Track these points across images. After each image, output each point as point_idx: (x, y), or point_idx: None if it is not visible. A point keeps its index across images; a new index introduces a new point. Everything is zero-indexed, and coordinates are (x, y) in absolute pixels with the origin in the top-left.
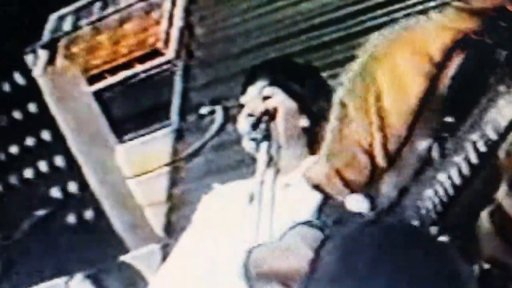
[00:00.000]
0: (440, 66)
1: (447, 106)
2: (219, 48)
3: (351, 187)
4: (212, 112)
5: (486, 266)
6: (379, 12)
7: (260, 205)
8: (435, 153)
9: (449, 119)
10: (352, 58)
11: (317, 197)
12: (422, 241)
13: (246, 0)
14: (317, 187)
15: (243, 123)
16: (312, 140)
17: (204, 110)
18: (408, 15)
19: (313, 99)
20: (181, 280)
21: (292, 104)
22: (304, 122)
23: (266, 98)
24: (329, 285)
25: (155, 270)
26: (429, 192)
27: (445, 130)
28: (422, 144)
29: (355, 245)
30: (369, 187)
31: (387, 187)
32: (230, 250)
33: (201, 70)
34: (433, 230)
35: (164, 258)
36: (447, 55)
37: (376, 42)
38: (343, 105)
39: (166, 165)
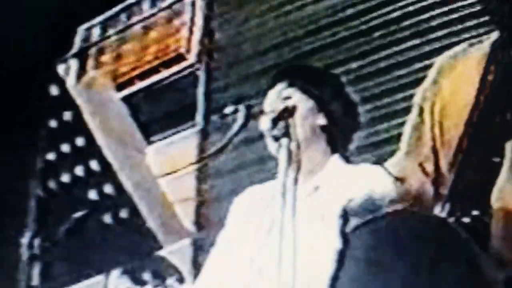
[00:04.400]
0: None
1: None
2: (238, 50)
3: (430, 177)
4: (235, 111)
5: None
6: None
7: (285, 208)
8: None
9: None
10: (363, 54)
11: (345, 197)
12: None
13: (261, 3)
14: (401, 179)
15: (264, 121)
16: (331, 139)
17: (227, 110)
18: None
19: (330, 99)
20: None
21: (309, 103)
22: (321, 120)
23: (285, 99)
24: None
25: (188, 264)
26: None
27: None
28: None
29: (383, 234)
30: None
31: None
32: (263, 250)
33: (222, 72)
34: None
35: (195, 252)
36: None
37: (445, 58)
38: (421, 109)
39: (194, 163)
